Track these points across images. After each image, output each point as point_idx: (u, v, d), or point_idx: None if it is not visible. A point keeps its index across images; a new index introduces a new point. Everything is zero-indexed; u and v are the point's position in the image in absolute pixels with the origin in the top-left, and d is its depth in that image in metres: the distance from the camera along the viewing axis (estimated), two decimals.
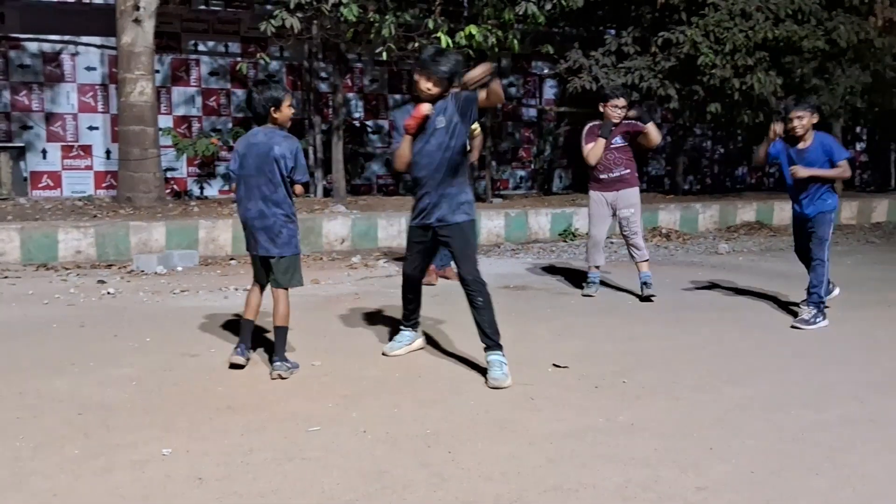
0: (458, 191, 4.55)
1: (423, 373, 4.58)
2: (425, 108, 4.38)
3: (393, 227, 9.98)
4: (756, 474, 3.22)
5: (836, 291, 6.41)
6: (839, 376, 4.65)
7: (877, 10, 12.20)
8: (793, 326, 5.88)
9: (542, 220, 10.85)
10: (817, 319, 5.89)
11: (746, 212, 12.42)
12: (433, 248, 4.78)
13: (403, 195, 13.47)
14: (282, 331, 4.56)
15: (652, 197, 13.32)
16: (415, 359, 4.90)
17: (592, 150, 6.81)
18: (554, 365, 4.76)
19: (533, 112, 15.47)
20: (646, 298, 6.76)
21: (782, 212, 12.77)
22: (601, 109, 6.81)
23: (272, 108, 4.51)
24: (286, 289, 4.61)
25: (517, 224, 10.81)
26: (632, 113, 6.83)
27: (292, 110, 4.64)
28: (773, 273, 8.39)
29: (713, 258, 9.45)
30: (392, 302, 6.58)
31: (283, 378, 4.41)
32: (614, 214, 6.98)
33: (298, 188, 4.59)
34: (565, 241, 10.66)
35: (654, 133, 6.71)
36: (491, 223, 10.70)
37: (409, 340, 4.99)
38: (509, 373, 4.35)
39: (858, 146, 18.60)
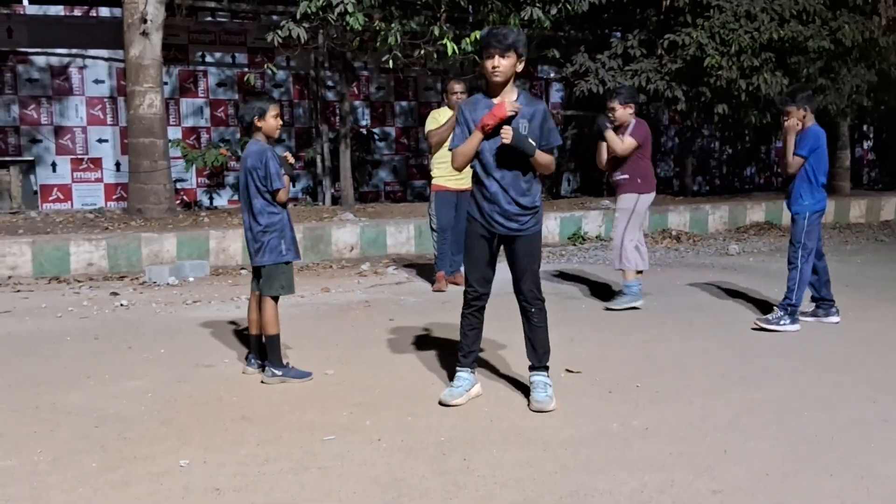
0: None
1: (437, 381, 4.59)
2: (509, 107, 4.01)
3: (402, 234, 10.01)
4: (770, 477, 3.23)
5: (835, 318, 6.08)
6: (851, 377, 4.64)
7: (881, 9, 12.19)
8: (754, 325, 5.85)
9: (550, 225, 10.85)
10: (782, 322, 5.79)
11: (756, 212, 12.40)
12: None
13: (411, 202, 13.51)
14: (268, 339, 4.61)
15: (661, 199, 13.30)
16: (428, 367, 4.91)
17: (597, 155, 6.83)
18: (567, 370, 4.77)
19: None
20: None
21: None
22: None
23: (256, 118, 4.59)
24: (270, 297, 4.64)
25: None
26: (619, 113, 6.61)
27: (278, 121, 4.68)
28: (782, 274, 8.30)
29: (723, 259, 9.44)
30: (402, 310, 6.62)
31: (265, 383, 4.54)
32: None
33: (280, 195, 4.59)
34: (574, 245, 10.67)
35: (611, 140, 6.58)
36: None
37: (468, 385, 4.27)
38: (554, 395, 4.12)
39: (866, 144, 18.56)
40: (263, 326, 4.64)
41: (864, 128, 18.08)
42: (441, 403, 4.13)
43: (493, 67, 3.97)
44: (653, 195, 6.79)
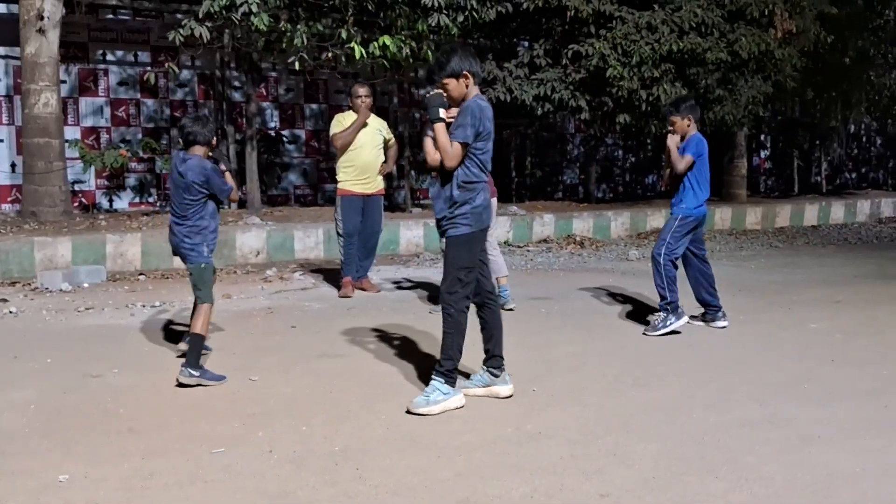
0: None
1: (335, 389, 4.54)
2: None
3: (310, 239, 9.90)
4: (658, 479, 3.31)
5: (722, 323, 6.16)
6: (741, 378, 4.81)
7: (776, 22, 12.69)
8: (644, 334, 5.89)
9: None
10: (668, 322, 5.85)
11: (656, 218, 12.76)
12: None
13: (322, 205, 13.38)
14: (193, 338, 4.74)
15: (566, 205, 13.58)
16: (328, 375, 4.86)
17: None
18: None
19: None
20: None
21: None
22: None
23: (207, 142, 4.87)
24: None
25: (436, 233, 10.77)
26: None
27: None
28: (679, 278, 8.61)
29: (624, 264, 9.67)
30: (306, 316, 6.53)
31: (181, 385, 4.51)
32: None
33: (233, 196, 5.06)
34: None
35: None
36: (410, 233, 10.71)
37: (480, 383, 4.43)
38: (438, 401, 4.05)
39: (763, 153, 19.33)
40: (193, 325, 4.79)
41: (762, 137, 18.83)
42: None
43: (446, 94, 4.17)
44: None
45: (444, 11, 10.29)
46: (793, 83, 13.96)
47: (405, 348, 5.47)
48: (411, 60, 10.76)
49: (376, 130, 7.51)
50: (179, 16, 11.73)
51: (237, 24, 9.87)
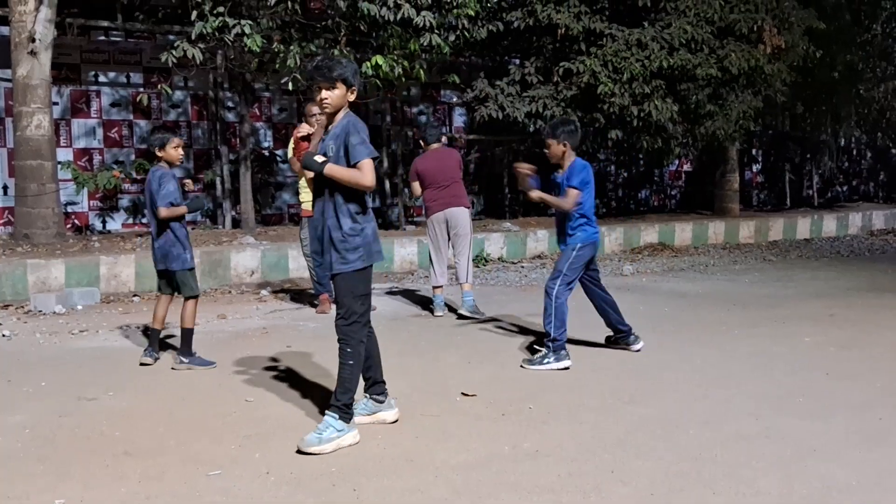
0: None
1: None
2: (303, 128, 4.22)
3: (305, 258, 9.88)
4: (655, 496, 3.31)
5: (639, 345, 5.91)
6: (735, 393, 4.82)
7: (765, 38, 12.80)
8: (521, 365, 5.52)
9: None
10: (545, 361, 5.44)
11: (649, 233, 12.80)
12: None
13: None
14: (184, 332, 5.47)
15: None
16: (323, 395, 4.85)
17: None
18: (462, 394, 4.79)
19: (443, 140, 15.61)
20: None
21: (683, 233, 13.24)
22: None
23: (157, 149, 5.48)
24: (191, 298, 5.58)
25: None
26: None
27: (178, 151, 5.51)
28: (673, 293, 8.67)
29: (618, 279, 9.69)
30: (301, 336, 6.52)
31: (176, 369, 5.36)
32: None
33: (159, 212, 5.48)
34: (478, 267, 10.76)
35: None
36: (404, 250, 10.72)
37: (365, 411, 4.29)
38: (332, 438, 3.82)
39: (755, 167, 19.42)
40: (184, 321, 5.45)
41: (753, 151, 18.93)
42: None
43: (321, 100, 3.97)
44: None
45: (436, 31, 10.35)
46: (783, 98, 14.07)
47: (399, 366, 5.46)
48: (403, 79, 10.82)
49: None
50: (172, 37, 11.76)
51: (230, 45, 9.92)
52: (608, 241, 12.35)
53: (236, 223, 12.42)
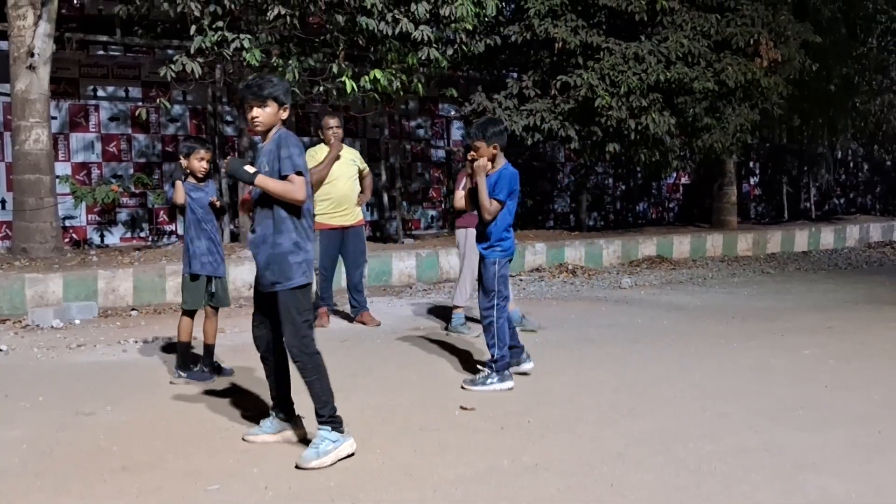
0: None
1: None
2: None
3: None
4: None
5: (528, 365, 5.63)
6: (735, 406, 4.82)
7: (762, 51, 12.86)
8: (462, 386, 5.26)
9: (453, 260, 10.92)
10: (489, 381, 5.21)
11: (647, 246, 12.82)
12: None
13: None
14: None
15: (558, 234, 13.63)
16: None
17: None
18: (461, 407, 4.79)
19: (442, 153, 15.67)
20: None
21: (681, 245, 13.26)
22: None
23: (182, 156, 5.50)
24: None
25: (428, 264, 10.87)
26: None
27: (203, 164, 5.44)
28: (672, 306, 8.67)
29: (617, 293, 9.70)
30: None
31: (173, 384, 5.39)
32: None
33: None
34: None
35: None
36: (402, 263, 10.72)
37: (271, 429, 4.22)
38: (329, 451, 3.82)
39: (752, 180, 19.48)
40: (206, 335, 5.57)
41: (751, 164, 18.99)
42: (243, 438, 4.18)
43: (252, 118, 3.96)
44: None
45: (434, 45, 10.39)
46: (780, 111, 14.12)
47: (399, 379, 5.46)
48: (402, 93, 10.85)
49: (350, 161, 7.49)
50: (171, 51, 11.81)
51: (229, 59, 9.95)
52: (606, 253, 12.36)
53: (234, 237, 12.43)
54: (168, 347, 6.46)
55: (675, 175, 17.36)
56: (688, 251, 13.30)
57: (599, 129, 12.12)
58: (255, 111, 3.94)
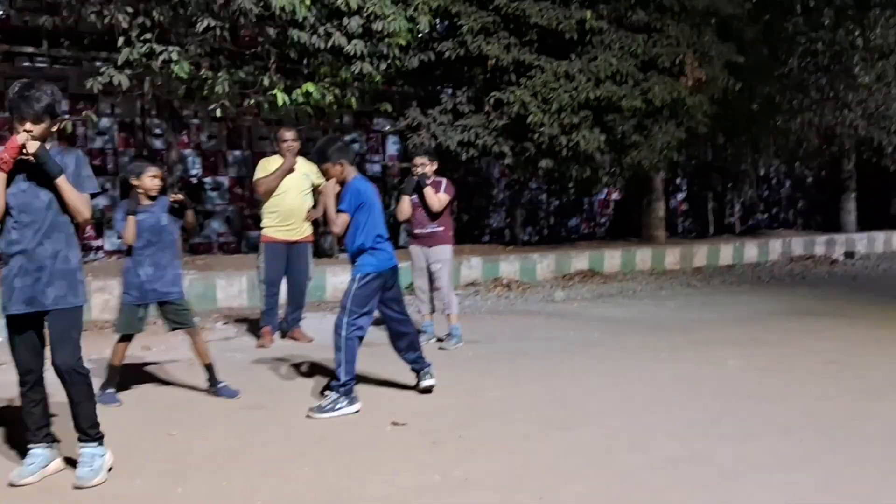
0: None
1: (257, 442, 4.45)
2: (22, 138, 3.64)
3: (233, 287, 9.74)
4: None
5: (429, 382, 5.47)
6: (662, 417, 4.90)
7: (687, 71, 13.20)
8: (307, 415, 4.97)
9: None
10: (338, 406, 4.97)
11: (580, 260, 12.98)
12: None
13: (246, 253, 13.19)
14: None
15: (493, 248, 13.71)
16: (249, 428, 4.76)
17: (399, 208, 7.34)
18: (393, 423, 4.76)
19: (377, 167, 15.64)
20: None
21: (612, 259, 13.47)
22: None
23: (133, 177, 5.41)
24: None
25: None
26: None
27: (155, 182, 5.39)
28: (603, 318, 8.80)
29: (550, 306, 9.80)
30: (228, 366, 6.38)
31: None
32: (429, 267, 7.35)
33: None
34: (412, 294, 10.72)
35: (430, 196, 7.12)
36: (336, 279, 10.63)
37: (43, 461, 3.90)
38: (103, 467, 3.78)
39: (679, 196, 19.94)
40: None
41: (677, 181, 19.43)
42: (11, 484, 3.74)
43: (28, 130, 3.66)
44: None
45: (367, 59, 10.38)
46: (704, 128, 14.48)
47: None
48: (335, 107, 10.80)
49: (304, 175, 7.37)
50: (98, 63, 11.52)
51: (157, 72, 9.76)
52: (540, 267, 12.48)
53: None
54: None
55: (605, 191, 17.65)
56: (618, 265, 13.51)
57: (532, 146, 12.26)
58: (29, 125, 3.67)
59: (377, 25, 10.18)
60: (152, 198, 5.41)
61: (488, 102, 12.21)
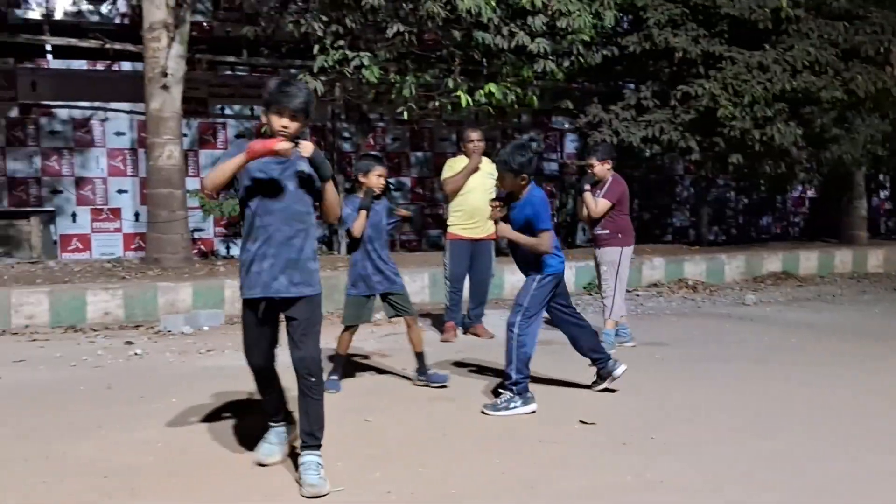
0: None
1: (448, 432, 4.55)
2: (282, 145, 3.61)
3: (416, 283, 10.00)
4: None
5: (621, 369, 5.43)
6: (867, 427, 4.58)
7: (893, 60, 12.26)
8: (482, 412, 4.97)
9: (566, 273, 10.81)
10: (511, 405, 4.94)
11: (772, 262, 12.32)
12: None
13: (426, 251, 13.54)
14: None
15: (677, 248, 13.27)
16: (440, 418, 4.86)
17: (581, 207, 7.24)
18: (581, 421, 4.71)
19: (555, 166, 15.59)
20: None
21: (808, 261, 12.69)
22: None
23: (360, 174, 5.57)
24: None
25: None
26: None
27: (381, 180, 5.55)
28: (799, 323, 8.29)
29: (740, 309, 9.36)
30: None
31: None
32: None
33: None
34: (590, 295, 10.61)
35: (588, 201, 7.00)
36: (514, 277, 10.62)
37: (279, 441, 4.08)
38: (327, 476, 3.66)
39: (882, 194, 18.50)
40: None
41: (881, 177, 18.01)
42: (259, 464, 3.95)
43: (283, 127, 3.69)
44: (633, 247, 7.09)
45: (550, 57, 10.36)
46: None
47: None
48: (516, 106, 10.85)
49: (488, 174, 7.47)
50: (293, 70, 12.23)
51: (349, 77, 10.21)
52: (728, 268, 11.95)
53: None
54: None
55: (800, 188, 16.67)
56: (815, 267, 12.70)
57: (722, 140, 11.78)
58: (287, 122, 3.71)
59: (561, 23, 10.14)
60: (376, 196, 5.57)
61: (674, 96, 11.85)
